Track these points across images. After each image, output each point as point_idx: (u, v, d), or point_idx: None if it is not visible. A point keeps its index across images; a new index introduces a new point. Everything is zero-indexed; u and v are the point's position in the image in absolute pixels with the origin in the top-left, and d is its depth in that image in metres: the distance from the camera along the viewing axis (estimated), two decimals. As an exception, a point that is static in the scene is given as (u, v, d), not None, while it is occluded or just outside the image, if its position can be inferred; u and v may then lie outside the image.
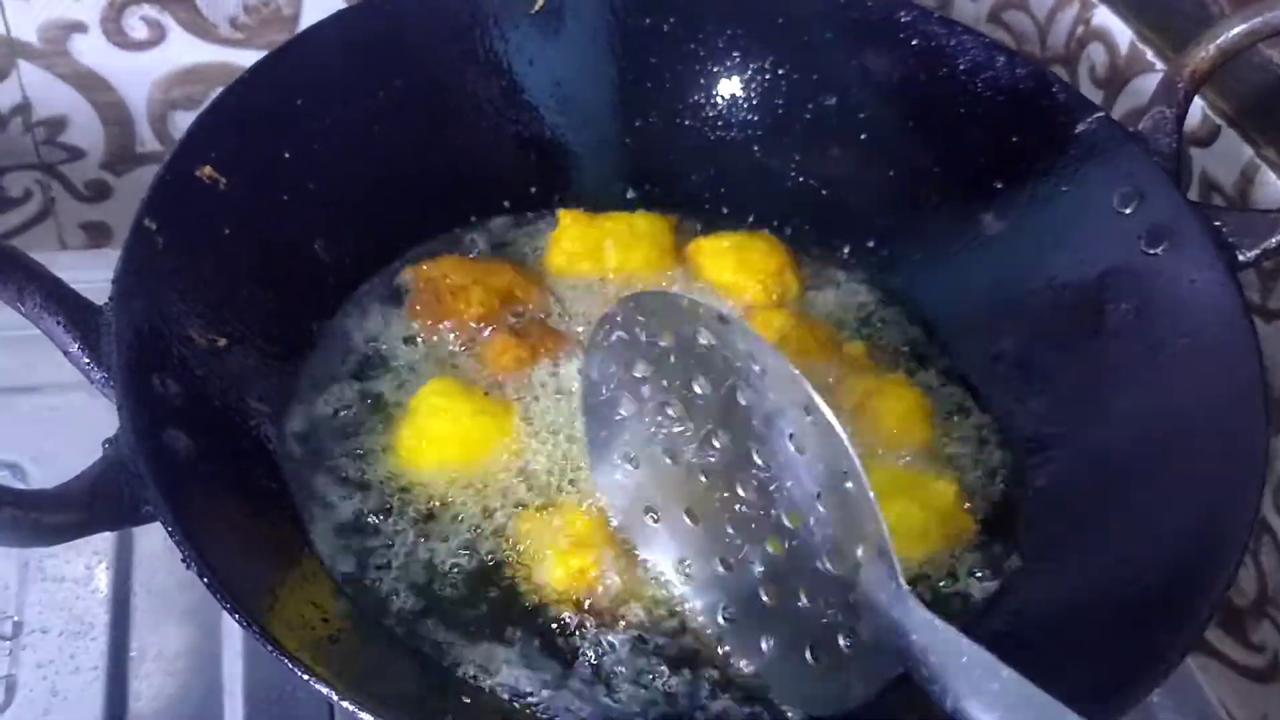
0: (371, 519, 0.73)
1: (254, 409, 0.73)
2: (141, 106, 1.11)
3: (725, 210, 0.95)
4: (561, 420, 0.78)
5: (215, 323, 0.73)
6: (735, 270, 0.88)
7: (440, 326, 0.82)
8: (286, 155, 0.81)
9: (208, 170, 0.75)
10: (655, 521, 0.71)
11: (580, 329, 0.83)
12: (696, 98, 0.94)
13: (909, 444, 0.81)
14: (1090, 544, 0.72)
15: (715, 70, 0.93)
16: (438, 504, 0.74)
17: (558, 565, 0.70)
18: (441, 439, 0.75)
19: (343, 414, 0.78)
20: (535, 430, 0.78)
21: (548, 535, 0.71)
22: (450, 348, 0.82)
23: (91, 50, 1.06)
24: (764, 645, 0.67)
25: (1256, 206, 0.85)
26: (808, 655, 0.63)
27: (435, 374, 0.80)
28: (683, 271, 0.89)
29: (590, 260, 0.88)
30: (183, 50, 1.08)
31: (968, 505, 0.78)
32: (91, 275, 0.67)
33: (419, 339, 0.83)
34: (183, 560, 0.58)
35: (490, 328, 0.82)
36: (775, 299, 0.87)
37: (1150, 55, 0.96)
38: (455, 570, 0.71)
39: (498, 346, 0.80)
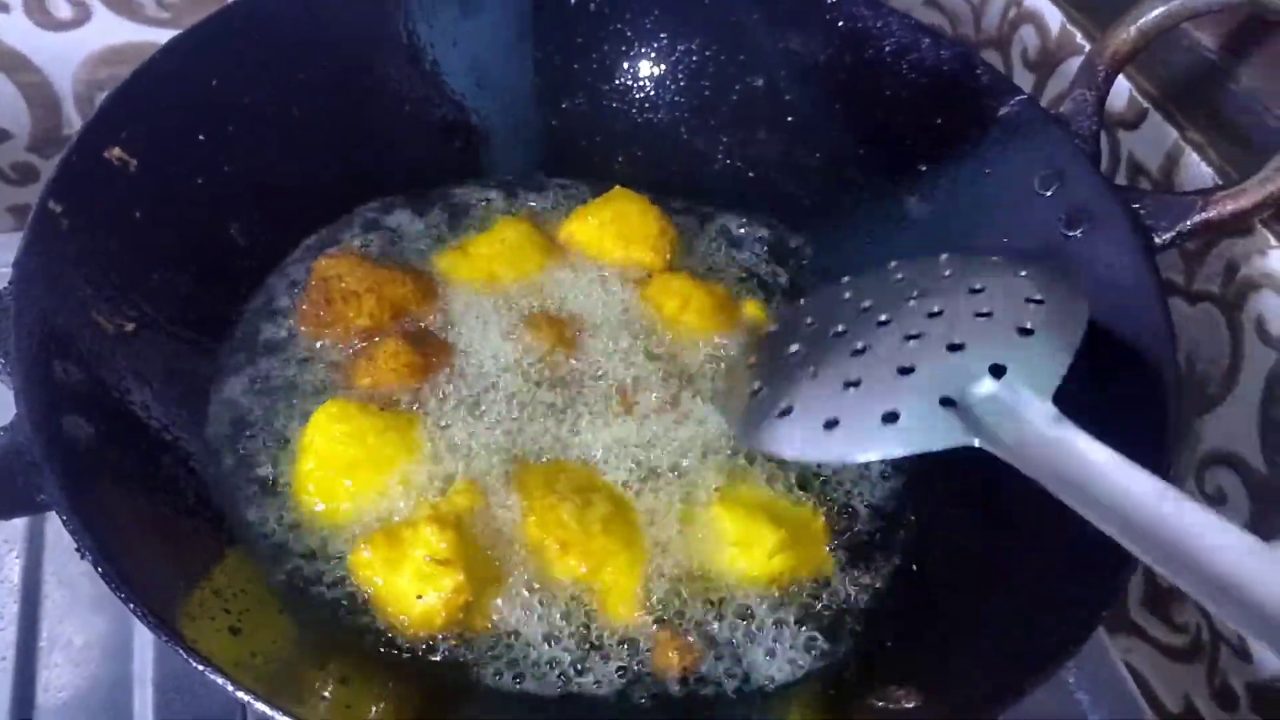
0: (278, 518, 0.72)
1: (162, 396, 0.71)
2: (67, 87, 1.09)
3: (654, 196, 0.94)
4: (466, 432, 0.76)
5: (123, 307, 0.71)
6: (622, 244, 0.87)
7: (325, 332, 0.80)
8: (201, 137, 0.79)
9: (117, 152, 0.74)
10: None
11: (467, 340, 0.81)
12: (623, 79, 0.94)
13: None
14: (1000, 523, 0.72)
15: (642, 51, 0.93)
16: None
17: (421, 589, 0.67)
18: (347, 466, 0.72)
19: (253, 403, 0.77)
20: (449, 442, 0.76)
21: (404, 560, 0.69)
22: (334, 355, 0.80)
23: (15, 30, 1.04)
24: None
25: (1181, 189, 0.85)
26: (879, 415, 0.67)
27: (325, 377, 0.78)
28: (569, 257, 0.87)
29: (488, 278, 0.85)
30: (109, 30, 1.06)
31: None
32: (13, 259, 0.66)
33: (304, 339, 0.81)
34: (76, 550, 0.57)
35: (375, 339, 0.79)
36: (668, 258, 0.87)
37: (1080, 38, 0.96)
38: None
39: (389, 349, 0.77)
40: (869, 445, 0.67)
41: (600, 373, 0.80)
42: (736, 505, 0.74)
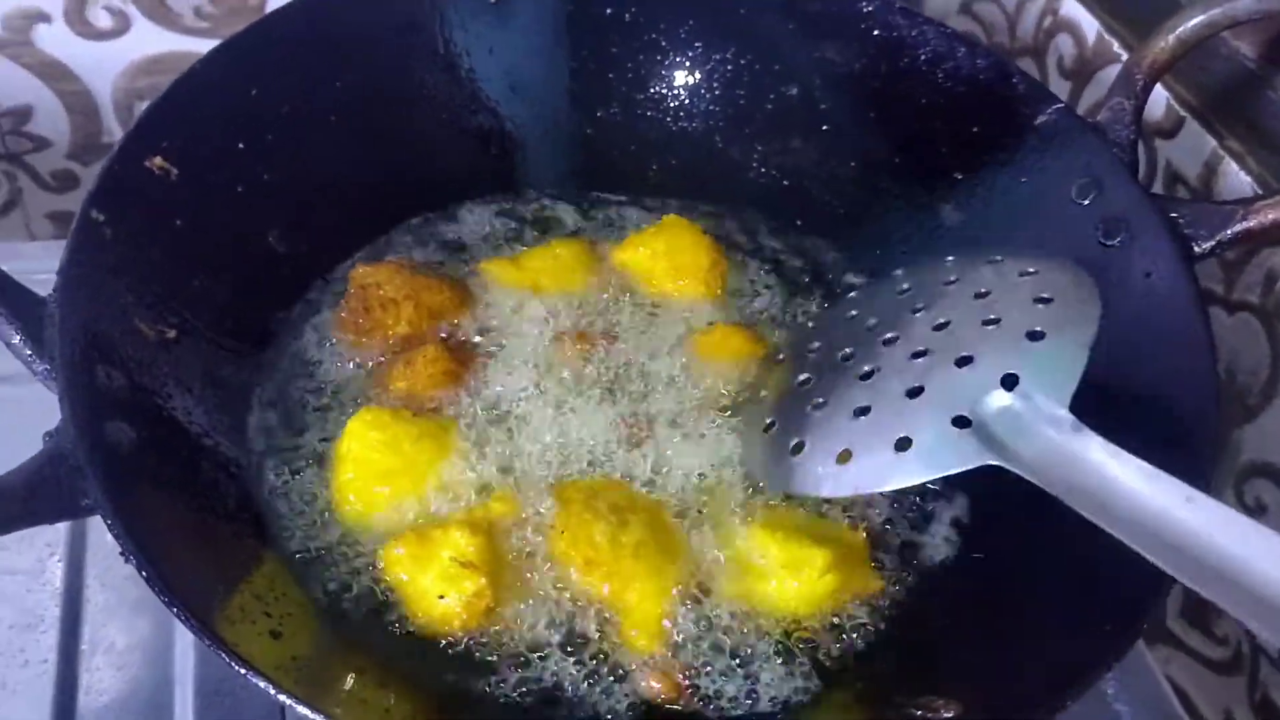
0: (316, 524, 0.73)
1: (203, 402, 0.72)
2: (107, 96, 1.11)
3: (685, 201, 0.94)
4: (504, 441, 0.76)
5: (164, 314, 0.72)
6: (673, 276, 0.86)
7: (364, 340, 0.80)
8: (240, 146, 0.80)
9: (158, 161, 0.74)
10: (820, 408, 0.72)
11: (505, 351, 0.81)
12: (658, 88, 0.94)
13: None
14: (1039, 531, 0.71)
15: (677, 61, 0.93)
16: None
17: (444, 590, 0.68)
18: (384, 473, 0.73)
19: (292, 410, 0.78)
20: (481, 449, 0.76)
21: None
22: (373, 361, 0.80)
23: (56, 40, 1.06)
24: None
25: (1219, 198, 0.85)
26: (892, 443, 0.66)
27: (364, 384, 0.79)
28: (617, 281, 0.87)
29: (532, 300, 0.85)
30: (147, 40, 1.08)
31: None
32: (57, 266, 0.66)
33: (344, 347, 0.81)
34: (121, 554, 0.57)
35: (413, 346, 0.79)
36: (720, 291, 0.87)
37: (1117, 46, 0.96)
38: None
39: (429, 355, 0.77)
40: (884, 476, 0.66)
41: (640, 392, 0.80)
42: (777, 528, 0.72)
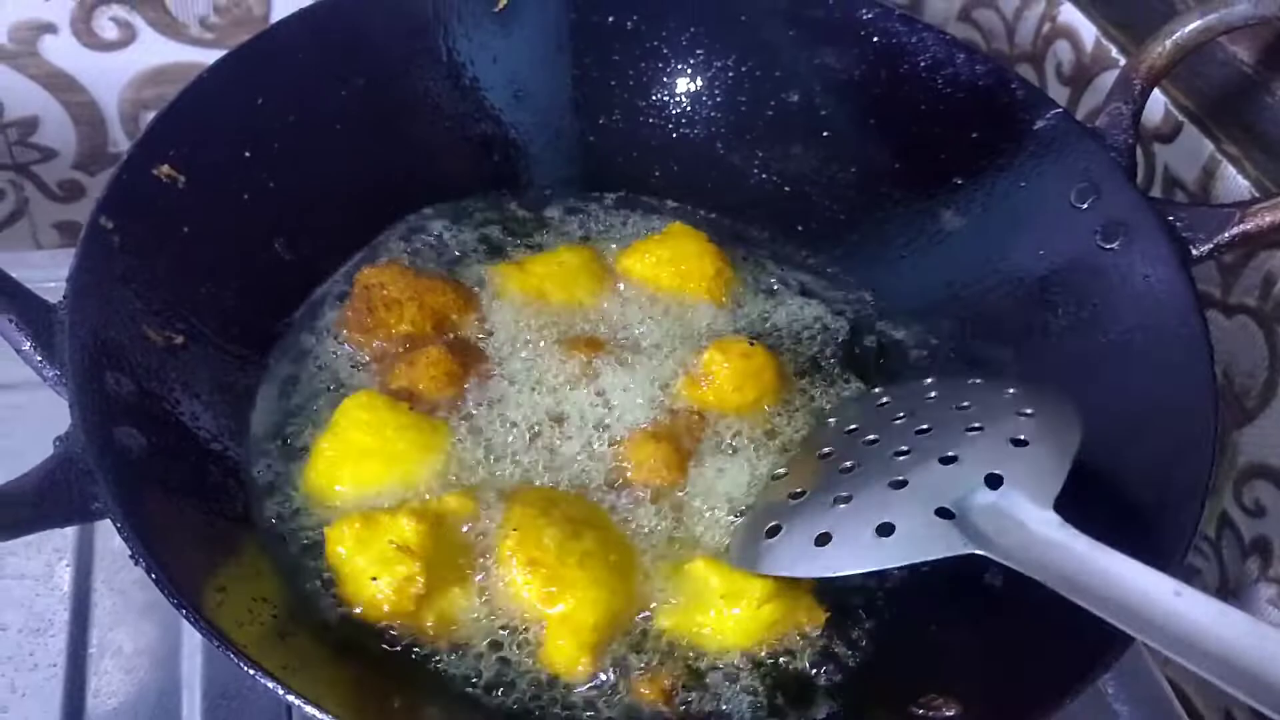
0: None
1: (211, 407, 0.73)
2: (113, 107, 1.11)
3: (687, 208, 0.95)
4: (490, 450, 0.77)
5: (172, 320, 0.73)
6: (679, 281, 0.87)
7: (368, 339, 0.81)
8: (247, 154, 0.81)
9: (166, 169, 0.75)
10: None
11: (507, 354, 0.82)
12: (660, 95, 0.95)
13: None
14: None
15: (678, 68, 0.94)
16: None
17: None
18: (363, 454, 0.73)
19: (297, 413, 0.78)
20: (468, 453, 0.76)
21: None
22: (376, 362, 0.81)
23: (62, 51, 1.07)
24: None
25: (1217, 202, 0.85)
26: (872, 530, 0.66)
27: (367, 384, 0.79)
28: (623, 288, 0.87)
29: (541, 297, 0.86)
30: (153, 50, 1.08)
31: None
32: (66, 273, 0.67)
33: (350, 350, 0.82)
34: (131, 556, 0.58)
35: (416, 347, 0.80)
36: (725, 300, 0.87)
37: (1115, 52, 0.96)
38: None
39: (430, 356, 0.78)
40: (864, 558, 0.66)
41: (627, 408, 0.80)
42: (721, 558, 0.72)
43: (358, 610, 0.67)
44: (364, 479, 0.73)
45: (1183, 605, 0.56)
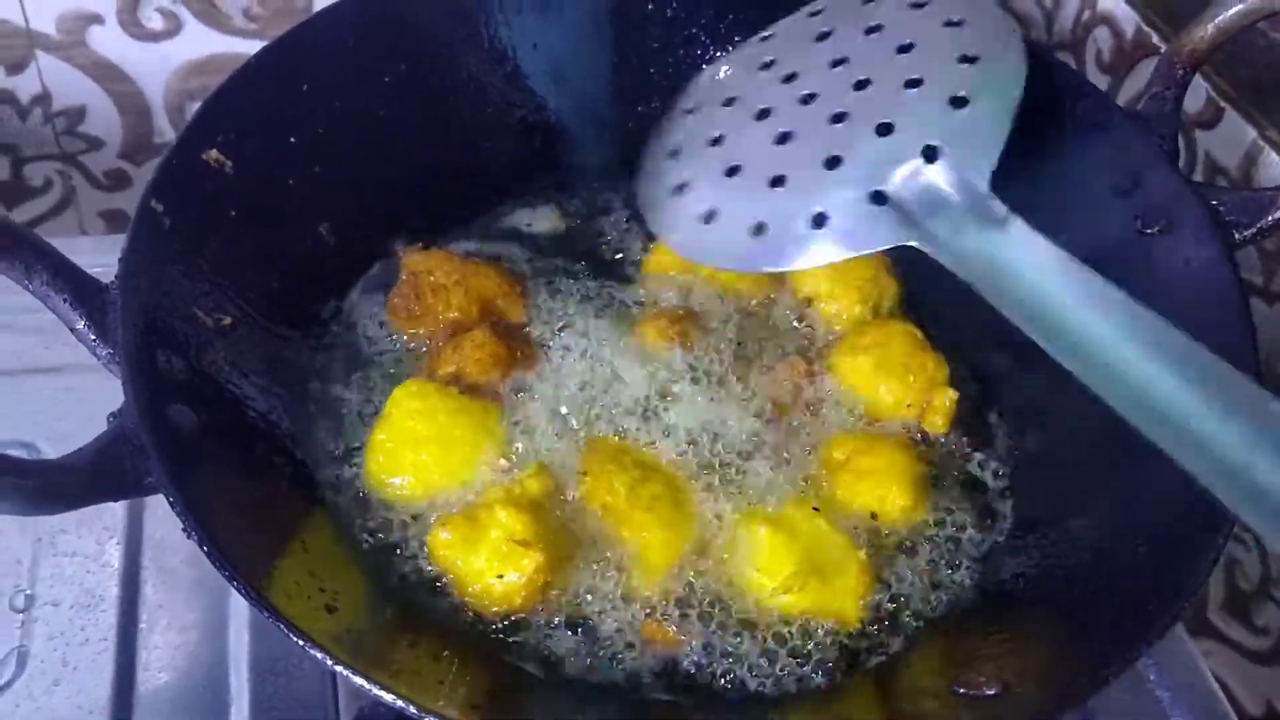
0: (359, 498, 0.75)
1: (260, 387, 0.74)
2: (158, 97, 1.13)
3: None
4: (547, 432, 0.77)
5: (220, 302, 0.74)
6: (830, 279, 0.85)
7: (415, 326, 0.82)
8: (292, 140, 0.82)
9: (214, 154, 0.76)
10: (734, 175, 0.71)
11: (555, 344, 0.82)
12: (699, 83, 0.95)
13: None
14: (1077, 513, 0.72)
15: (717, 55, 0.93)
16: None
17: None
18: (419, 442, 0.74)
19: (345, 395, 0.80)
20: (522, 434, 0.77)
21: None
22: (423, 348, 0.82)
23: (108, 41, 1.08)
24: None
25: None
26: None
27: (413, 369, 0.80)
28: (776, 285, 0.86)
29: (687, 272, 0.85)
30: (198, 41, 1.10)
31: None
32: (111, 259, 0.68)
33: (395, 334, 0.83)
34: (183, 530, 0.59)
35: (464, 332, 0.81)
36: (872, 305, 0.85)
37: (1156, 39, 0.96)
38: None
39: (476, 339, 0.78)
40: (799, 253, 0.65)
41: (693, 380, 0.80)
42: (780, 530, 0.71)
43: (486, 606, 0.69)
44: (424, 466, 0.74)
45: (1113, 313, 0.55)
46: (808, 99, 0.70)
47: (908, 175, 0.63)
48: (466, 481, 0.74)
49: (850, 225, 0.64)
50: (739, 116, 0.74)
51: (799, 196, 0.66)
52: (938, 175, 0.62)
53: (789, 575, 0.69)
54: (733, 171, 0.71)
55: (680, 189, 0.74)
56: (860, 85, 0.69)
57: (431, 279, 0.81)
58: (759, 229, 0.66)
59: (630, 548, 0.71)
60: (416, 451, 0.73)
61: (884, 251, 0.85)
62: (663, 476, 0.74)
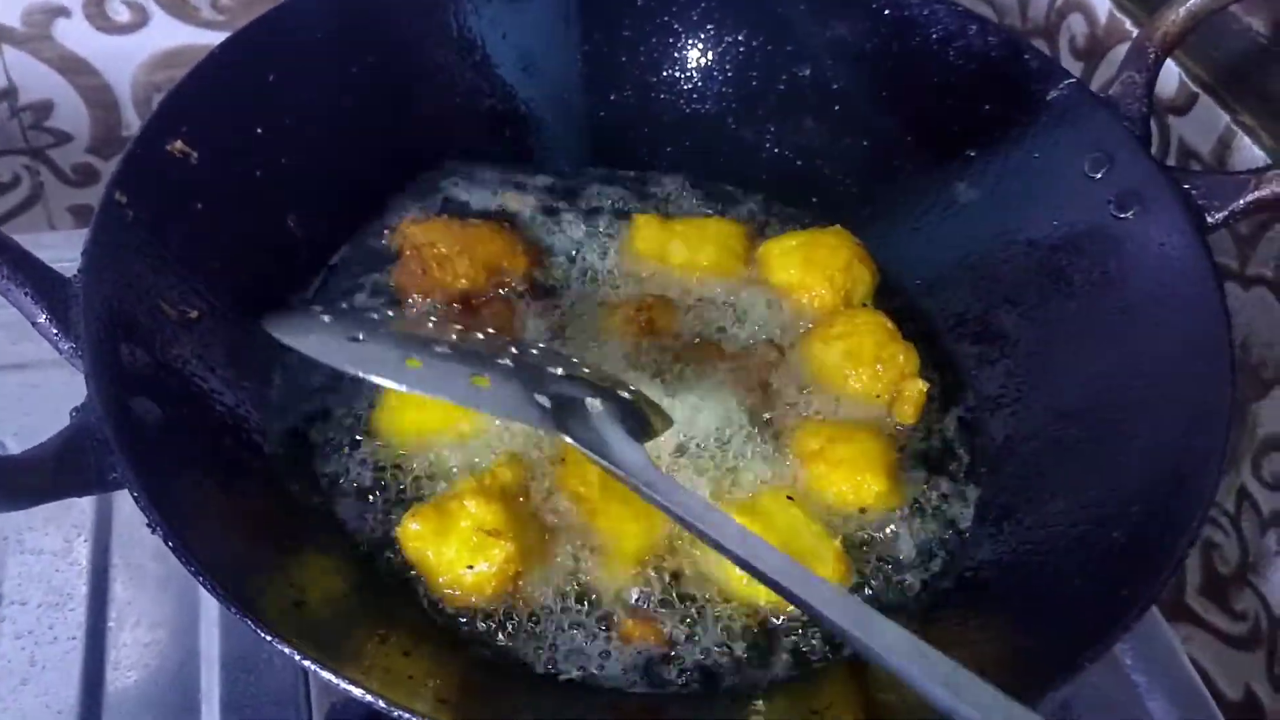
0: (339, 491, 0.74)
1: (227, 380, 0.73)
2: (126, 90, 1.12)
3: (699, 182, 0.95)
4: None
5: (186, 295, 0.73)
6: (802, 268, 0.85)
7: (424, 299, 0.81)
8: (259, 130, 0.81)
9: (179, 145, 0.75)
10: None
11: (568, 308, 0.82)
12: (670, 71, 0.94)
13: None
14: (1050, 498, 0.72)
15: (689, 43, 0.93)
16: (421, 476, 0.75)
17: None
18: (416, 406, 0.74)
19: (311, 387, 0.78)
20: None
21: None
22: (433, 318, 0.80)
23: (75, 34, 1.07)
24: None
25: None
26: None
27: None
28: (749, 275, 0.87)
29: (660, 260, 0.87)
30: (166, 33, 1.09)
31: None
32: (79, 254, 0.67)
33: (400, 306, 0.82)
34: (147, 525, 0.58)
35: (478, 299, 0.81)
36: (844, 295, 0.85)
37: (1129, 25, 0.96)
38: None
39: (495, 309, 0.78)
40: (448, 390, 0.66)
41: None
42: (756, 518, 0.71)
43: (458, 599, 0.68)
44: (427, 422, 0.75)
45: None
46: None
47: (574, 400, 0.67)
48: (448, 461, 0.74)
49: (504, 397, 0.66)
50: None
51: (465, 367, 0.68)
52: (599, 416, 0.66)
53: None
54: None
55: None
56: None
57: (436, 250, 0.81)
58: (414, 362, 0.67)
59: (603, 538, 0.71)
60: (420, 409, 0.74)
61: (862, 239, 0.89)
62: None
